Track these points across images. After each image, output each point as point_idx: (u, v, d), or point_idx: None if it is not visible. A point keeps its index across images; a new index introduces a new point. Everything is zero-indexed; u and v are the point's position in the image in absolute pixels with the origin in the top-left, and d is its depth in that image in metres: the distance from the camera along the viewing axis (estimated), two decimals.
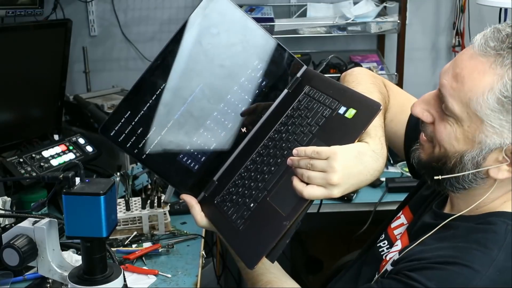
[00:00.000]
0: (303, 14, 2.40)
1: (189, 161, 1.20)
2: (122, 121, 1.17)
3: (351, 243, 1.91)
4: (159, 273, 1.43)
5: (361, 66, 2.39)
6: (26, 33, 1.92)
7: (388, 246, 1.16)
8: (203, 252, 1.58)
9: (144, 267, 1.46)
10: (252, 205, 1.08)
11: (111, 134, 1.16)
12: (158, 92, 1.17)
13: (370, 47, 2.62)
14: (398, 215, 1.21)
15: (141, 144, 1.18)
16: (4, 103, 1.90)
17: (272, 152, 1.14)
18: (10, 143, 1.91)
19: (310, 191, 0.97)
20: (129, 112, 1.17)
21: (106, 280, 0.95)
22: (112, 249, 1.47)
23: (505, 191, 0.98)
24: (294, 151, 1.01)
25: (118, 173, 1.75)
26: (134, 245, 1.54)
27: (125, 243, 1.55)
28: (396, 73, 2.37)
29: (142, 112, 1.17)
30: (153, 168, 1.21)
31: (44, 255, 1.01)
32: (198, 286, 1.41)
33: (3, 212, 1.47)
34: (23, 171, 1.70)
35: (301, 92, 1.19)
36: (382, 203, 1.86)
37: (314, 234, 2.41)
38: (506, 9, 2.22)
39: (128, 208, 1.62)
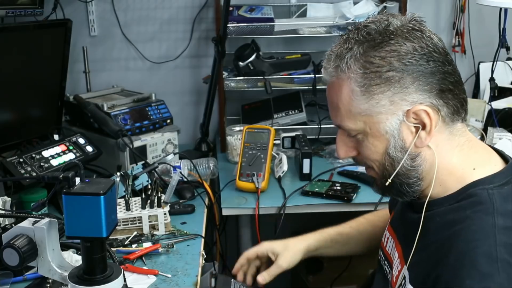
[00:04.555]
0: (303, 14, 2.39)
1: None
2: None
3: None
4: (159, 273, 1.43)
5: None
6: (26, 33, 1.92)
7: (388, 265, 1.18)
8: (203, 252, 1.58)
9: (144, 267, 1.46)
10: None
11: None
12: None
13: None
14: (385, 233, 1.24)
15: None
16: (4, 103, 1.90)
17: None
18: (10, 143, 1.91)
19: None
20: None
21: (106, 280, 0.95)
22: (112, 249, 1.47)
23: (448, 148, 1.02)
24: None
25: (118, 173, 1.75)
26: (134, 245, 1.54)
27: (125, 243, 1.55)
28: None
29: None
30: None
31: (44, 255, 1.01)
32: (198, 286, 1.41)
33: (3, 212, 1.47)
34: (23, 171, 1.70)
35: None
36: (382, 203, 1.85)
37: None
38: (506, 9, 2.22)
39: (128, 208, 1.62)
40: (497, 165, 1.03)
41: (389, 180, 1.03)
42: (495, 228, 0.91)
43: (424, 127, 0.99)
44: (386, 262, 1.20)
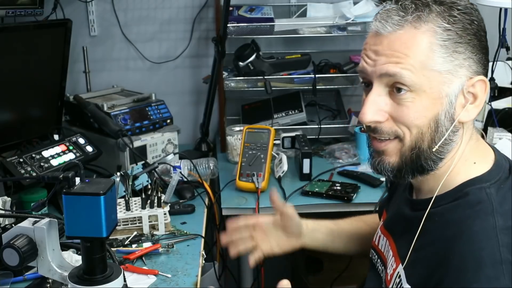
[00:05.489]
0: (303, 14, 2.39)
1: None
2: None
3: None
4: (159, 273, 1.43)
5: None
6: (26, 33, 1.92)
7: (381, 263, 1.18)
8: (203, 252, 1.58)
9: (144, 267, 1.46)
10: None
11: None
12: None
13: None
14: (377, 232, 1.23)
15: None
16: (4, 103, 1.90)
17: None
18: (10, 143, 1.91)
19: None
20: None
21: (106, 280, 0.95)
22: (112, 249, 1.47)
23: (466, 137, 1.00)
24: None
25: (118, 173, 1.75)
26: (134, 245, 1.54)
27: (125, 243, 1.55)
28: None
29: None
30: None
31: (44, 255, 1.01)
32: (198, 286, 1.41)
33: (3, 212, 1.47)
34: (23, 171, 1.70)
35: None
36: None
37: None
38: (506, 9, 2.22)
39: (128, 208, 1.63)
40: (493, 160, 1.03)
41: (436, 147, 0.97)
42: (496, 228, 0.91)
43: (474, 101, 0.97)
44: (379, 260, 1.19)
